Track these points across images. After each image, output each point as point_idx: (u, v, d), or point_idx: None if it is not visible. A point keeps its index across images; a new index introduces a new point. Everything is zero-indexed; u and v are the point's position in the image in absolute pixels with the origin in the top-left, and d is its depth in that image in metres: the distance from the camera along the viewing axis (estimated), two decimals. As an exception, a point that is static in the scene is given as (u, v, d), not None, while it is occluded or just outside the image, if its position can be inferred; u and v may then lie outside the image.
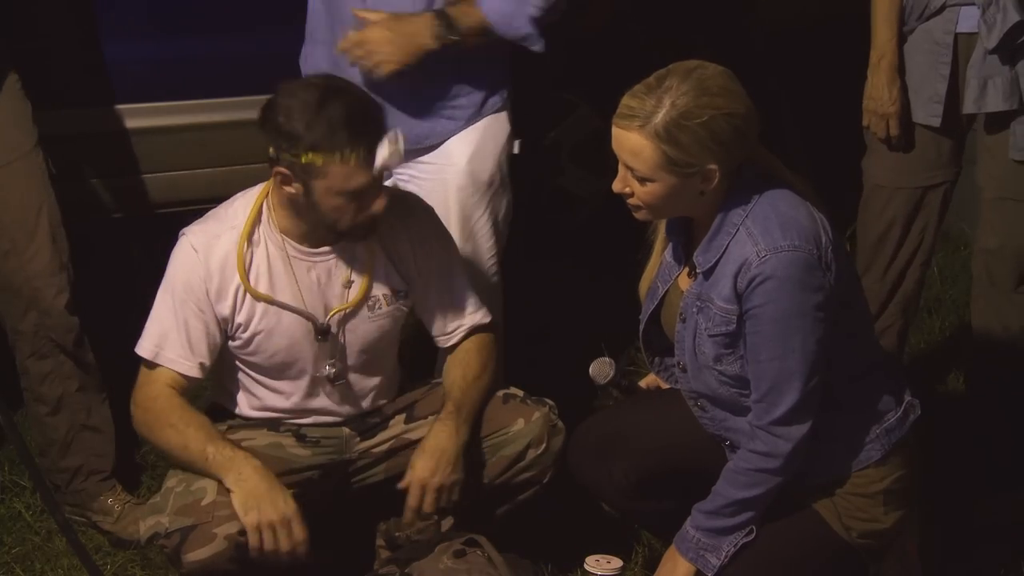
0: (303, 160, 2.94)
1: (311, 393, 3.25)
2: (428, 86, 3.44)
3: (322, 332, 3.16)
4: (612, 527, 3.47)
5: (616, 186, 2.82)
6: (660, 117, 2.71)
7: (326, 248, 3.14)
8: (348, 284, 3.17)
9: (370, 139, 2.96)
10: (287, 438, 3.25)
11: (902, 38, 3.63)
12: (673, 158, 2.72)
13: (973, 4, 3.51)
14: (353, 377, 3.26)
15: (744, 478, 2.86)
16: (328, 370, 3.20)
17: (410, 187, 3.50)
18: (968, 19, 3.54)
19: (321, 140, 2.93)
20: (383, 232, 3.17)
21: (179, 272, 3.11)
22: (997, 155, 3.61)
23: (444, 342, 3.32)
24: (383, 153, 2.96)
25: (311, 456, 3.26)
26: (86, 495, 3.66)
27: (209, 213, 3.23)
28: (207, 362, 3.14)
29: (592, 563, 3.11)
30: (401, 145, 2.99)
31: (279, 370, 3.22)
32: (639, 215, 2.87)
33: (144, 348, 3.14)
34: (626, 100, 2.76)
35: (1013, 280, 3.67)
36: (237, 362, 3.22)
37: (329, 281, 3.16)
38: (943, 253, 5.06)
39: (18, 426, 3.51)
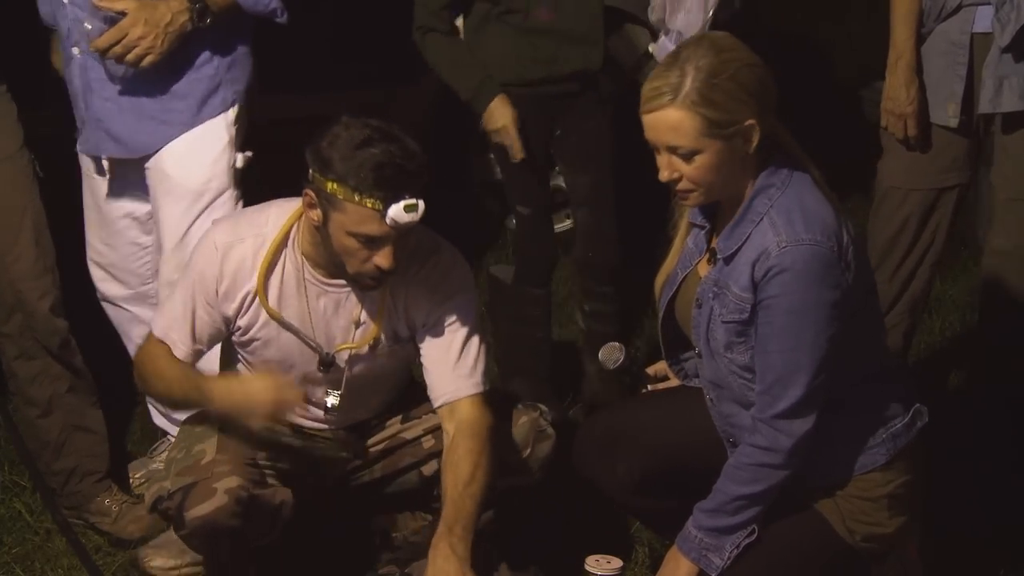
0: (328, 188, 2.94)
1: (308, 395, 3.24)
2: (145, 90, 3.40)
3: (326, 364, 3.16)
4: (612, 527, 3.47)
5: (663, 175, 2.79)
6: (689, 84, 2.71)
7: (341, 281, 3.12)
8: (357, 323, 3.16)
9: (392, 193, 2.91)
10: (282, 429, 3.25)
11: (920, 39, 3.63)
12: (713, 120, 2.71)
13: (989, 3, 3.50)
14: (350, 402, 3.23)
15: (745, 473, 2.85)
16: (328, 401, 3.20)
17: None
18: (984, 19, 3.53)
19: (347, 175, 2.91)
20: (408, 278, 3.13)
21: (198, 264, 3.15)
22: (1012, 155, 3.61)
23: (433, 400, 3.20)
24: (394, 212, 2.91)
25: (303, 446, 3.26)
26: (82, 496, 3.66)
27: (243, 210, 3.25)
28: (206, 349, 3.20)
29: (592, 563, 3.10)
30: (420, 212, 2.94)
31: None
32: (690, 200, 2.83)
33: (157, 326, 3.20)
34: (648, 85, 2.75)
35: None
36: (238, 355, 3.24)
37: (336, 313, 3.15)
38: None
39: (18, 426, 3.51)
